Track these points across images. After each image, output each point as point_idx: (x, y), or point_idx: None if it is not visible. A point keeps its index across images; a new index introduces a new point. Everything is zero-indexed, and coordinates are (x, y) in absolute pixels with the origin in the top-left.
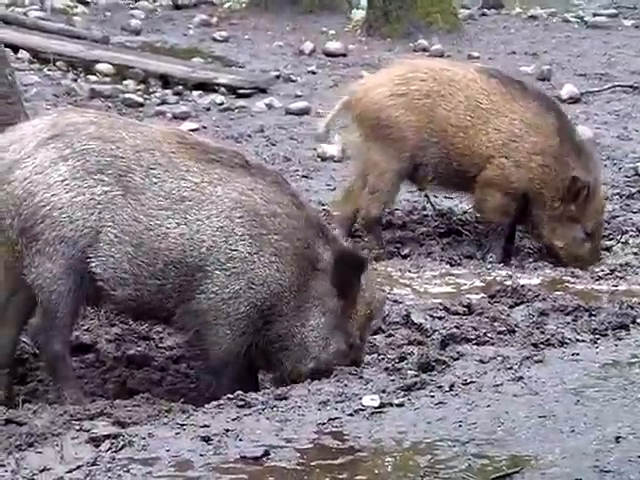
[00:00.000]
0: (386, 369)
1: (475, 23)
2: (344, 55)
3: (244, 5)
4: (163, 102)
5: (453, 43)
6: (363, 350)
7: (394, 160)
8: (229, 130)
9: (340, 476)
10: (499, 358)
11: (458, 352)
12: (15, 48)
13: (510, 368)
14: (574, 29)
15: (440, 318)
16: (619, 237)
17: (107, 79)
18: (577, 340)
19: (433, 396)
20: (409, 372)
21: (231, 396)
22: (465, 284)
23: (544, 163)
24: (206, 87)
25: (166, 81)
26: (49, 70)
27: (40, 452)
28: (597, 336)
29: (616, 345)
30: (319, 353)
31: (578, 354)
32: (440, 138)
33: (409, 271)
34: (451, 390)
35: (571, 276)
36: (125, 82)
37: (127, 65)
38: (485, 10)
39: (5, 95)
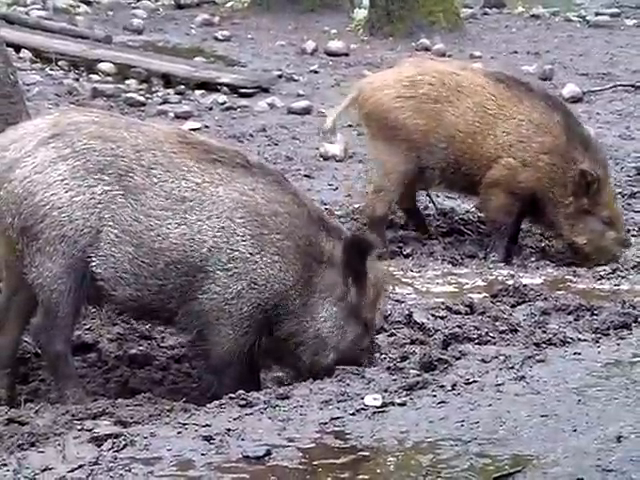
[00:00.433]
0: (388, 368)
1: (477, 22)
2: (346, 54)
3: (246, 4)
4: (165, 101)
5: (455, 42)
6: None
7: (400, 161)
8: (231, 129)
9: (342, 475)
10: (501, 357)
11: (460, 351)
12: (17, 47)
13: (512, 367)
14: (576, 28)
15: (442, 317)
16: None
17: (109, 78)
18: (579, 339)
19: (435, 395)
20: (411, 371)
21: (233, 395)
22: (467, 283)
23: (551, 162)
24: (208, 86)
25: (168, 80)
26: (51, 69)
27: (42, 452)
28: (599, 335)
29: (618, 344)
30: (338, 342)
31: (580, 353)
32: (448, 143)
33: (411, 270)
34: (453, 389)
35: (573, 275)
36: (127, 81)
37: (129, 64)
38: (487, 9)
39: (7, 95)
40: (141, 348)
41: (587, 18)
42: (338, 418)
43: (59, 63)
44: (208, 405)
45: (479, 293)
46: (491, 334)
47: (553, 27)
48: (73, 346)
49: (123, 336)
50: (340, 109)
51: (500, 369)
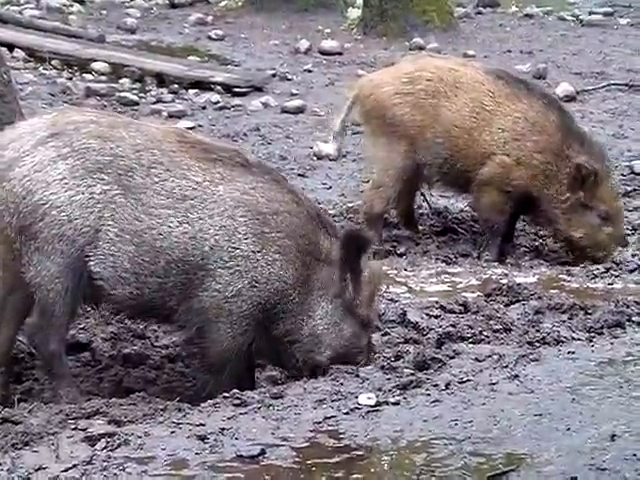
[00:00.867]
0: (382, 367)
1: (471, 21)
2: (340, 54)
3: (240, 4)
4: (159, 101)
5: (449, 41)
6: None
7: (398, 157)
8: (225, 129)
9: (336, 475)
10: (495, 356)
11: (454, 350)
12: (10, 47)
13: (506, 366)
14: (570, 27)
15: (436, 316)
16: None
17: (103, 78)
18: (573, 338)
19: (429, 394)
20: (405, 370)
21: (227, 395)
22: (461, 282)
23: (545, 160)
24: (202, 86)
25: (162, 80)
26: (44, 69)
27: (36, 451)
28: (593, 334)
29: (612, 343)
30: (333, 340)
31: (574, 352)
32: (444, 139)
33: (405, 269)
34: (447, 388)
35: (567, 274)
36: (121, 81)
37: (123, 64)
38: (481, 8)
39: (1, 94)
40: (135, 347)
41: (580, 17)
42: (332, 417)
43: (52, 62)
44: (202, 404)
45: (473, 292)
46: (485, 333)
47: (547, 26)
48: (67, 345)
49: (117, 335)
50: (345, 110)
51: (494, 368)
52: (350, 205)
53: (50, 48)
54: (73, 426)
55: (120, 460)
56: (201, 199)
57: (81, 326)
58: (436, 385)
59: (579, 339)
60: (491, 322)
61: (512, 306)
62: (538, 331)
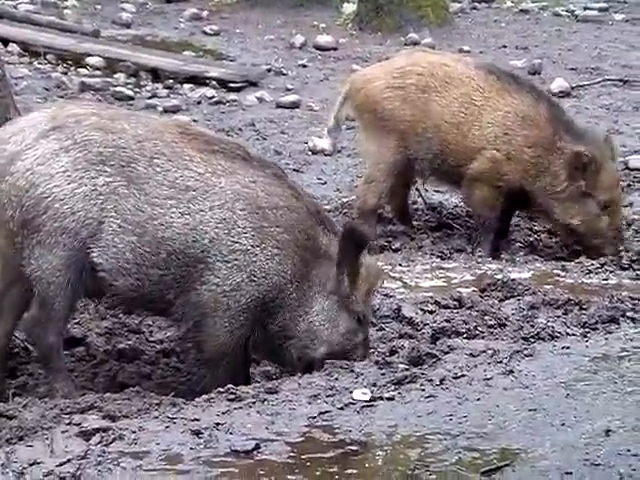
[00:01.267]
0: (377, 363)
1: (466, 17)
2: (335, 49)
3: None
4: (154, 95)
5: (444, 37)
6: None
7: (389, 152)
8: (220, 124)
9: (331, 470)
10: (489, 352)
11: (449, 346)
12: (5, 41)
13: (500, 362)
14: (565, 23)
15: (431, 312)
16: None
17: (97, 72)
18: (567, 334)
19: (424, 390)
20: (400, 366)
21: (221, 390)
22: (456, 278)
23: (536, 155)
24: (197, 81)
25: (157, 74)
26: (39, 63)
27: (30, 446)
28: (587, 330)
29: (606, 339)
30: (329, 336)
31: (568, 348)
32: (434, 134)
33: (400, 265)
34: (441, 384)
35: (561, 270)
36: (115, 75)
37: (118, 58)
38: (476, 4)
39: None
40: (130, 342)
41: (576, 13)
42: (327, 412)
43: (47, 57)
44: (197, 399)
45: (468, 287)
46: (480, 328)
47: (542, 22)
48: (62, 340)
49: (112, 330)
50: (338, 104)
51: (488, 363)
52: (345, 200)
53: (45, 43)
54: (67, 421)
55: (115, 455)
56: (203, 190)
57: (76, 321)
58: (431, 380)
59: (574, 334)
60: (486, 317)
61: (507, 301)
62: (533, 326)
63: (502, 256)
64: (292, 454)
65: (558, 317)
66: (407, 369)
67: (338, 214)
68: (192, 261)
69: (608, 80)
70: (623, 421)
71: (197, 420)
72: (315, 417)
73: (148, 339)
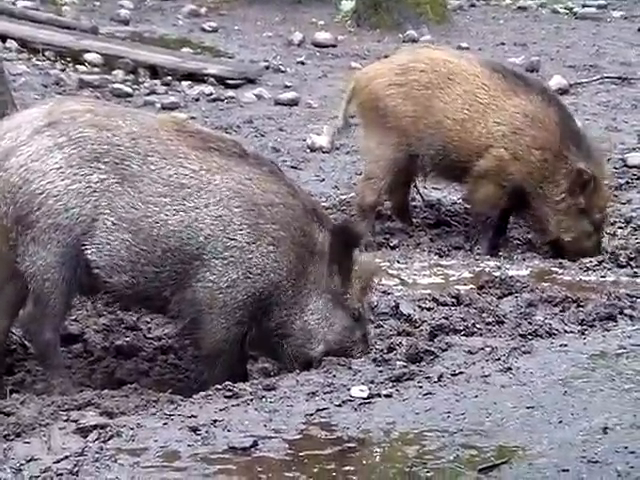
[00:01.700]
0: (375, 360)
1: (464, 14)
2: (333, 46)
3: None
4: (152, 92)
5: (442, 34)
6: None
7: (390, 149)
8: (218, 121)
9: (328, 466)
10: (487, 349)
11: (447, 343)
12: (3, 38)
13: (498, 359)
14: (563, 20)
15: (429, 309)
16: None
17: (96, 69)
18: (565, 331)
19: (421, 387)
20: (398, 363)
21: (219, 387)
22: (454, 275)
23: (543, 158)
24: (195, 77)
25: (155, 71)
26: (38, 60)
27: (28, 442)
28: (585, 327)
29: (604, 336)
30: (325, 335)
31: (566, 345)
32: (436, 130)
33: (398, 262)
34: (439, 381)
35: (559, 267)
36: (114, 72)
37: (116, 55)
38: (474, 1)
39: None
40: (127, 339)
41: (574, 10)
42: (324, 409)
43: (46, 54)
44: (194, 396)
45: (465, 285)
46: (477, 326)
47: (540, 19)
48: (59, 337)
49: (109, 327)
50: (345, 103)
51: (486, 360)
52: (343, 197)
53: (43, 39)
54: (65, 417)
55: (112, 451)
56: (197, 188)
57: (73, 317)
58: (428, 377)
59: (571, 332)
60: (484, 315)
61: (505, 299)
62: (530, 324)
63: (500, 253)
64: (290, 451)
65: (556, 314)
66: (405, 366)
67: (336, 211)
68: (187, 258)
69: (606, 77)
70: (621, 418)
71: (195, 417)
72: (313, 414)
73: (146, 336)
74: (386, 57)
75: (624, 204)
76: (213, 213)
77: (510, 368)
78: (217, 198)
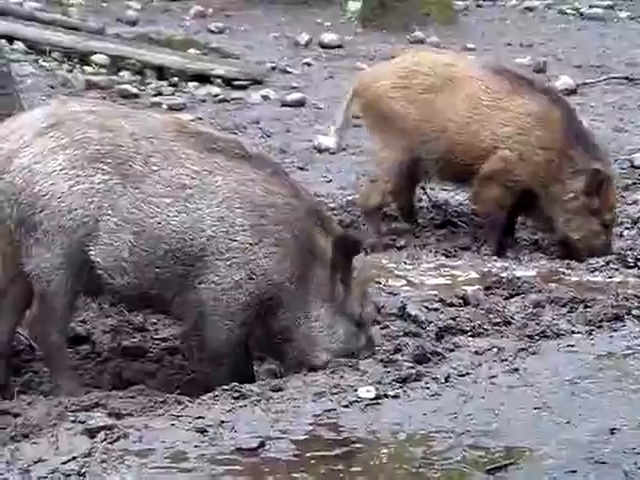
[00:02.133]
0: (381, 361)
1: (471, 15)
2: (340, 47)
3: None
4: (159, 93)
5: (449, 35)
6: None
7: (394, 152)
8: (225, 122)
9: (335, 467)
10: (494, 350)
11: (453, 344)
12: (10, 39)
13: (505, 360)
14: (570, 21)
15: (435, 310)
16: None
17: (103, 70)
18: (572, 332)
19: (428, 388)
20: (405, 364)
21: (226, 387)
22: (461, 276)
23: (549, 158)
24: (202, 78)
25: (162, 72)
26: (44, 61)
27: (35, 443)
28: (592, 328)
29: (611, 337)
30: (330, 343)
31: (573, 346)
32: (440, 134)
33: (404, 263)
34: (446, 382)
35: (566, 268)
36: (121, 73)
37: (123, 56)
38: (481, 2)
39: (0, 86)
40: (135, 340)
41: (581, 10)
42: (331, 410)
43: (52, 55)
44: (201, 397)
45: (472, 285)
46: (484, 326)
47: (547, 19)
48: (67, 338)
49: (117, 328)
50: (346, 103)
51: (493, 361)
52: (350, 198)
53: (50, 40)
54: (72, 418)
55: (119, 452)
56: (199, 189)
57: (80, 319)
58: (435, 378)
59: (579, 332)
60: (491, 315)
61: (512, 299)
62: (538, 324)
63: (507, 254)
64: (297, 452)
65: (563, 315)
66: (412, 367)
67: (343, 212)
68: (190, 259)
69: (613, 78)
70: (628, 419)
71: (202, 418)
72: (320, 415)
73: (153, 337)
74: (393, 58)
75: (631, 205)
76: (215, 214)
77: (517, 369)
78: (219, 199)
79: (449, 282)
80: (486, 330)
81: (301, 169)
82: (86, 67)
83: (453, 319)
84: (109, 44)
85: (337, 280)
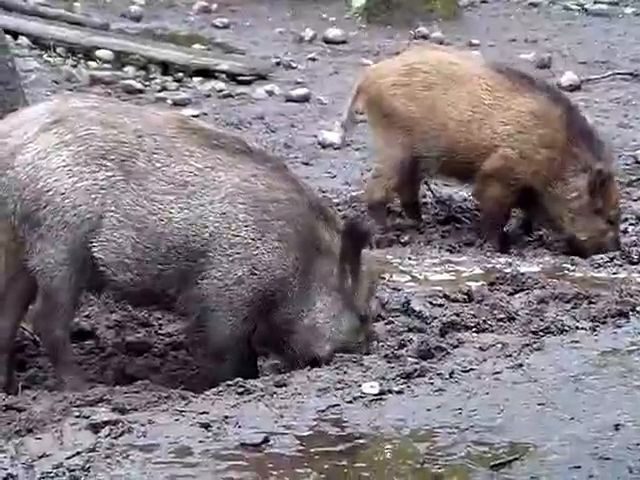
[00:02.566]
0: (386, 356)
1: (475, 10)
2: (344, 42)
3: None
4: (163, 89)
5: (453, 30)
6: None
7: (396, 149)
8: (229, 117)
9: (339, 463)
10: (498, 345)
11: (458, 339)
12: (15, 34)
13: (509, 355)
14: (575, 16)
15: (440, 305)
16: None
17: (107, 65)
18: (576, 328)
19: (432, 383)
20: (409, 359)
21: (230, 383)
22: (465, 271)
23: (551, 156)
24: (206, 74)
25: (166, 68)
26: (49, 56)
27: (39, 438)
28: (596, 324)
29: (615, 333)
30: (333, 334)
31: (577, 342)
32: (441, 131)
33: (409, 258)
34: (450, 377)
35: (571, 264)
36: (125, 69)
37: (127, 52)
38: None
39: (5, 81)
40: (139, 335)
41: (586, 6)
42: (336, 406)
43: (57, 50)
44: (206, 392)
45: (477, 281)
46: (489, 322)
47: (551, 15)
48: (71, 333)
49: (121, 323)
50: (351, 99)
51: (498, 357)
52: (354, 194)
53: (54, 35)
54: (77, 413)
55: (124, 447)
56: (202, 185)
57: (85, 314)
58: (440, 374)
59: (583, 328)
60: (495, 311)
61: (516, 295)
62: (542, 320)
63: (511, 250)
64: (301, 447)
65: (567, 311)
66: (416, 363)
67: (347, 207)
68: (193, 255)
69: (618, 74)
70: (632, 415)
71: (206, 413)
72: (324, 410)
73: (157, 332)
74: (397, 54)
75: (635, 201)
76: (218, 210)
77: (521, 365)
78: (222, 195)
79: (453, 278)
80: (490, 326)
81: (305, 164)
82: (90, 62)
83: (457, 315)
84: (113, 39)
85: (346, 271)
